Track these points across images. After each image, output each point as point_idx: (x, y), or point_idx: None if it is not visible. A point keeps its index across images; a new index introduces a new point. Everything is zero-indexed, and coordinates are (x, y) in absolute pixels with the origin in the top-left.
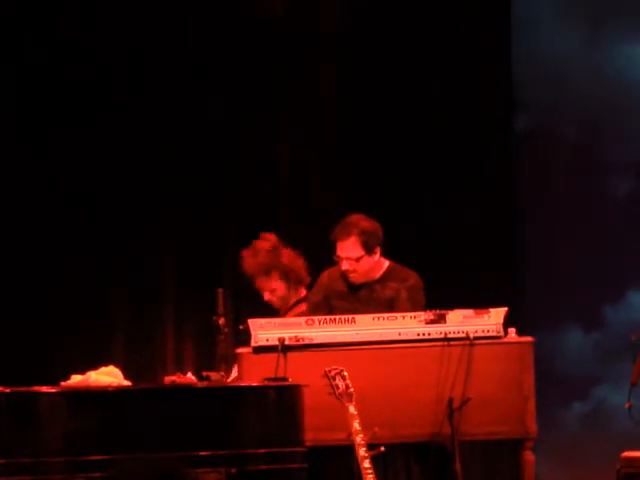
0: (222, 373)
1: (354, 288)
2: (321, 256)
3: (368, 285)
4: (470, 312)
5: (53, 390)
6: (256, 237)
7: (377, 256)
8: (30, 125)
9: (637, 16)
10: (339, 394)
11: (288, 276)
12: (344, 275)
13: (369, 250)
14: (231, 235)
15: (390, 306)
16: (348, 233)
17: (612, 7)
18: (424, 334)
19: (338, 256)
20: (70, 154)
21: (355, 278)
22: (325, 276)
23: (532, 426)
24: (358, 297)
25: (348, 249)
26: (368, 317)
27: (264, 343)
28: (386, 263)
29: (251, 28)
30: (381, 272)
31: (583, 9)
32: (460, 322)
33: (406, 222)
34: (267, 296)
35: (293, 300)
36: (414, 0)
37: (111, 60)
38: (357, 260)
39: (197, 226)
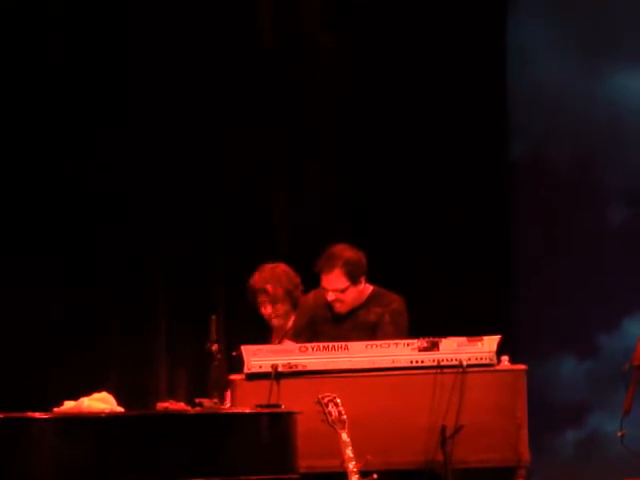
0: (215, 400)
1: (339, 315)
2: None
3: (352, 312)
4: (463, 340)
5: (46, 416)
6: (251, 261)
7: (362, 285)
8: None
9: (632, 47)
10: (332, 421)
11: (294, 298)
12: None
13: (354, 280)
14: (224, 261)
15: (373, 331)
16: (332, 265)
17: (608, 37)
18: (417, 361)
19: (324, 287)
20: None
21: (340, 308)
22: (311, 299)
23: (525, 454)
24: (342, 324)
25: (333, 281)
26: (361, 344)
27: (257, 370)
28: (370, 288)
29: (250, 55)
30: (365, 297)
31: (578, 38)
32: (453, 350)
33: (398, 249)
34: (268, 310)
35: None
36: (409, 27)
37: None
38: (342, 291)
39: (191, 250)
